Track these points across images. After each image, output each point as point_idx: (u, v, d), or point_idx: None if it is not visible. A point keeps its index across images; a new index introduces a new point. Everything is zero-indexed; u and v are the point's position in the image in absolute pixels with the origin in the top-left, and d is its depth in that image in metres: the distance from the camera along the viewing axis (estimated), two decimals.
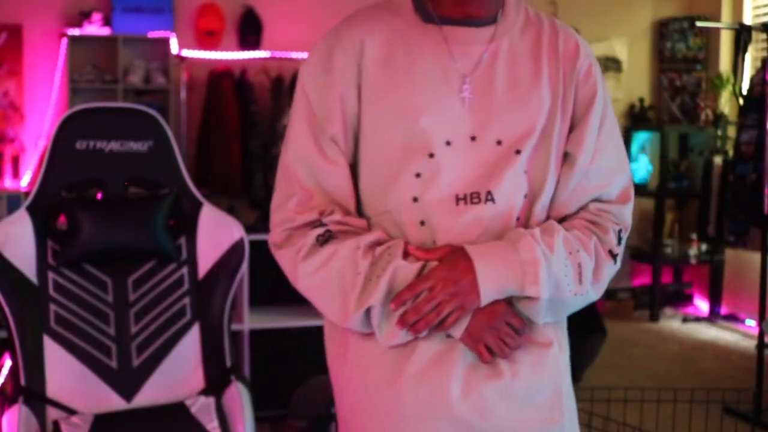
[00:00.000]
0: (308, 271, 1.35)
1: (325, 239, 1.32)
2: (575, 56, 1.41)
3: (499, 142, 1.35)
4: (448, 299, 1.29)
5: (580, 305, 1.39)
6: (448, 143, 1.34)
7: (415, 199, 1.33)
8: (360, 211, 1.39)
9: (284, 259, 1.39)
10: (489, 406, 1.34)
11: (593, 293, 1.39)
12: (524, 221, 1.39)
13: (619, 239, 1.42)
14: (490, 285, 1.30)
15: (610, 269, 1.41)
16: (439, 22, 1.37)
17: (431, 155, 1.33)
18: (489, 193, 1.34)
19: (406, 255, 1.32)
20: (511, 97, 1.37)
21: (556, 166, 1.40)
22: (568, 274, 1.34)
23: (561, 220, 1.42)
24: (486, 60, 1.37)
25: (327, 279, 1.34)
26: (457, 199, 1.33)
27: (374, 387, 1.37)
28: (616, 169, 1.45)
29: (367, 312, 1.32)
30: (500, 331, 1.33)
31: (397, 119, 1.34)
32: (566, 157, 1.41)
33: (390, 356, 1.35)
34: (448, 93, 1.35)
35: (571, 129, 1.41)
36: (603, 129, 1.42)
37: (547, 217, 1.42)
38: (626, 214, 1.45)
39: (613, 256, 1.41)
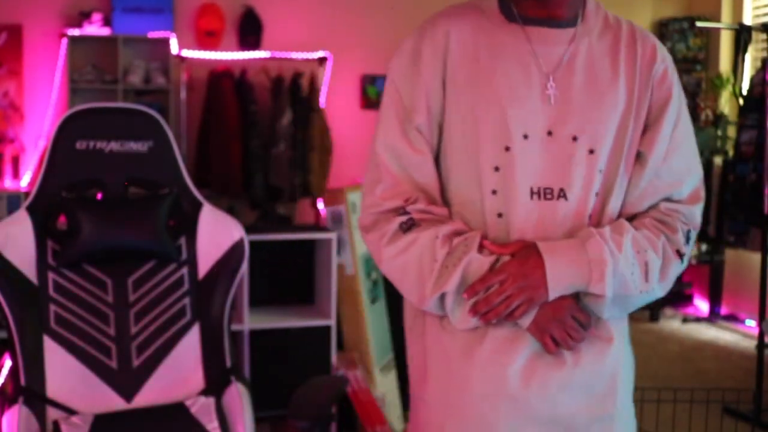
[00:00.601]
0: (391, 255, 1.41)
1: (408, 226, 1.40)
2: (652, 60, 1.47)
3: (574, 138, 1.40)
4: (517, 293, 1.37)
5: (647, 301, 1.46)
6: (525, 137, 1.40)
7: (494, 192, 1.41)
8: (444, 199, 1.46)
9: (370, 242, 1.46)
10: (549, 392, 1.43)
11: (659, 291, 1.46)
12: (596, 219, 1.44)
13: (688, 239, 1.48)
14: (558, 281, 1.37)
15: (677, 268, 1.47)
16: (522, 22, 1.43)
17: (507, 148, 1.39)
18: (561, 190, 1.40)
19: (481, 248, 1.39)
20: (589, 97, 1.42)
21: (628, 165, 1.45)
22: (634, 273, 1.40)
23: (631, 219, 1.47)
24: (566, 60, 1.42)
25: (407, 264, 1.40)
26: (531, 193, 1.40)
27: (447, 365, 1.46)
28: (688, 170, 1.50)
29: (442, 297, 1.40)
30: (566, 324, 1.40)
31: (478, 113, 1.40)
32: (638, 157, 1.46)
33: (463, 338, 1.44)
34: (529, 90, 1.41)
35: (645, 130, 1.46)
36: (677, 131, 1.47)
37: (619, 215, 1.47)
38: (696, 214, 1.51)
39: (681, 255, 1.47)
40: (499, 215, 1.41)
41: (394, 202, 1.42)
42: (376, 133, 1.48)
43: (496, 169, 1.40)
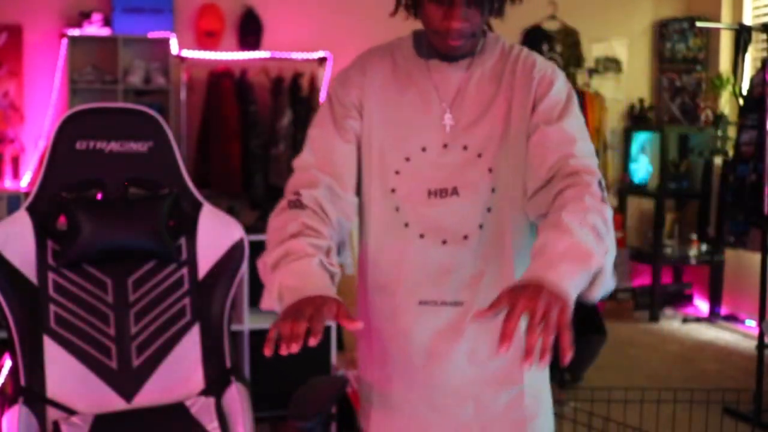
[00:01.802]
0: (269, 220, 1.63)
1: (294, 205, 1.61)
2: (531, 69, 1.66)
3: (465, 148, 1.64)
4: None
5: (611, 263, 1.46)
6: (423, 149, 1.66)
7: (393, 190, 1.66)
8: (359, 191, 1.70)
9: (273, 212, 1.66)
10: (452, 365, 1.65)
11: (612, 242, 1.48)
12: (497, 212, 1.63)
13: (601, 186, 1.54)
14: (569, 283, 1.36)
15: (610, 213, 1.52)
16: (427, 56, 1.69)
17: (407, 159, 1.66)
18: (454, 188, 1.64)
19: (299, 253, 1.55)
20: (477, 112, 1.66)
21: (519, 164, 1.63)
22: (590, 238, 1.42)
23: (543, 189, 1.57)
24: (460, 89, 1.67)
25: (271, 230, 1.60)
26: (429, 193, 1.64)
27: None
28: (578, 137, 1.61)
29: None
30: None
31: (386, 132, 1.68)
32: (533, 143, 1.62)
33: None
34: (429, 118, 1.66)
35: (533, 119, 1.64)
36: (564, 116, 1.62)
37: (532, 192, 1.58)
38: (594, 166, 1.58)
39: (604, 201, 1.51)
40: (396, 209, 1.66)
41: (300, 177, 1.66)
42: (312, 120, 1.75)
43: (397, 172, 1.66)
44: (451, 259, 1.63)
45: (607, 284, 1.43)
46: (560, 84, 1.66)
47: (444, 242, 1.63)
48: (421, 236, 1.64)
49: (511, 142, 1.63)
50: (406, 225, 1.66)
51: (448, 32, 1.58)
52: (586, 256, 1.39)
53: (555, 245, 1.39)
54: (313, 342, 1.34)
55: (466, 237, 1.63)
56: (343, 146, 1.67)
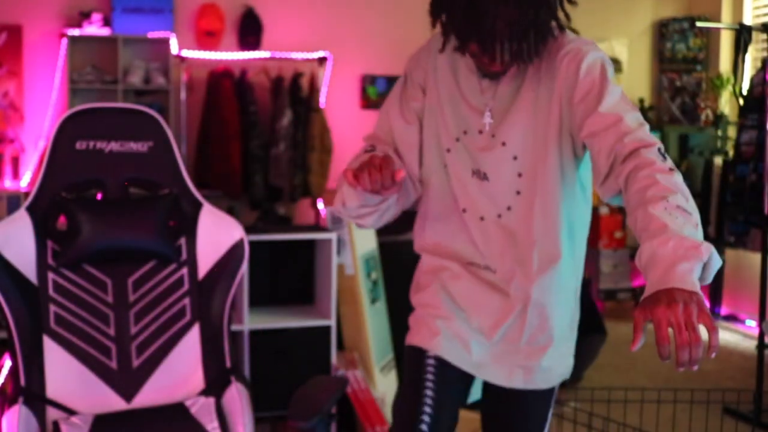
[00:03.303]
0: (350, 163, 1.87)
1: (369, 150, 1.87)
2: (555, 53, 1.74)
3: (493, 136, 1.81)
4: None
5: (701, 231, 1.49)
6: (465, 132, 1.84)
7: (445, 166, 1.86)
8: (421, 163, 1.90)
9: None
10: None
11: (696, 213, 1.51)
12: (526, 194, 1.80)
13: (663, 156, 1.58)
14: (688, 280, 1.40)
15: (680, 178, 1.55)
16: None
17: (457, 139, 1.85)
18: (485, 173, 1.82)
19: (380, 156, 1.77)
20: (507, 105, 1.80)
21: (542, 148, 1.77)
22: (683, 222, 1.46)
23: (609, 176, 1.63)
24: (502, 95, 1.80)
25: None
26: (472, 173, 1.83)
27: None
28: (622, 108, 1.66)
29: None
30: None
31: (442, 114, 1.86)
32: (585, 136, 1.69)
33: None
34: (474, 106, 1.83)
35: (583, 114, 1.71)
36: (602, 97, 1.67)
37: (608, 172, 1.63)
38: (649, 134, 1.64)
39: (673, 170, 1.55)
40: (448, 183, 1.87)
41: (370, 142, 1.93)
42: (384, 102, 1.96)
43: (448, 150, 1.85)
44: (486, 233, 1.83)
45: (715, 264, 1.44)
46: (589, 61, 1.71)
47: (482, 218, 1.84)
48: (464, 211, 1.85)
49: (538, 131, 1.78)
50: (455, 200, 1.87)
51: (489, 69, 1.76)
52: (695, 250, 1.41)
53: (663, 250, 1.41)
54: (400, 176, 1.67)
55: (499, 216, 1.82)
56: (405, 127, 1.88)
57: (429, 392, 1.82)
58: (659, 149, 1.59)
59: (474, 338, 1.87)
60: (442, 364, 1.85)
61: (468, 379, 1.91)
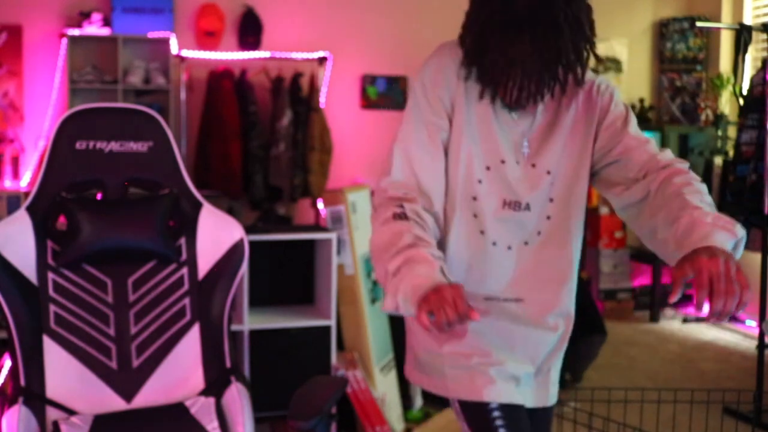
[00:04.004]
0: (376, 231, 1.72)
1: (399, 217, 1.69)
2: (591, 86, 1.83)
3: (533, 165, 1.79)
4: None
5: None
6: (502, 161, 1.78)
7: (474, 198, 1.77)
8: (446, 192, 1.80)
9: (373, 218, 1.76)
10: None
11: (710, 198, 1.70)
12: (554, 219, 1.81)
13: (693, 169, 1.75)
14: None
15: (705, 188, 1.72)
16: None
17: (488, 168, 1.77)
18: (527, 204, 1.79)
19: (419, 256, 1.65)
20: (545, 133, 1.80)
21: (573, 173, 1.81)
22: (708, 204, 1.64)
23: (637, 184, 1.75)
24: (537, 125, 1.81)
25: (382, 239, 1.68)
26: (504, 204, 1.78)
27: None
28: (645, 137, 1.83)
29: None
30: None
31: (473, 143, 1.77)
32: (615, 162, 1.81)
33: None
34: (511, 135, 1.79)
35: (611, 144, 1.81)
36: (629, 123, 1.83)
37: (645, 196, 1.73)
38: (672, 156, 1.79)
39: (702, 182, 1.72)
40: (475, 216, 1.78)
41: (396, 193, 1.73)
42: (399, 131, 1.79)
43: (479, 181, 1.77)
44: (513, 261, 1.80)
45: (742, 248, 1.58)
46: (617, 96, 1.85)
47: (509, 248, 1.80)
48: (494, 244, 1.79)
49: (571, 155, 1.81)
50: (482, 232, 1.79)
51: (511, 103, 1.74)
52: (731, 225, 1.55)
53: (702, 220, 1.55)
54: (476, 317, 1.51)
55: (526, 243, 1.81)
56: (431, 166, 1.76)
57: None
58: (687, 165, 1.76)
59: (522, 371, 1.84)
60: (508, 409, 1.80)
61: (527, 411, 1.87)
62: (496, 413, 1.78)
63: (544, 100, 1.74)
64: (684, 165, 1.75)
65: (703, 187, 1.69)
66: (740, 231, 1.56)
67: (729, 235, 1.53)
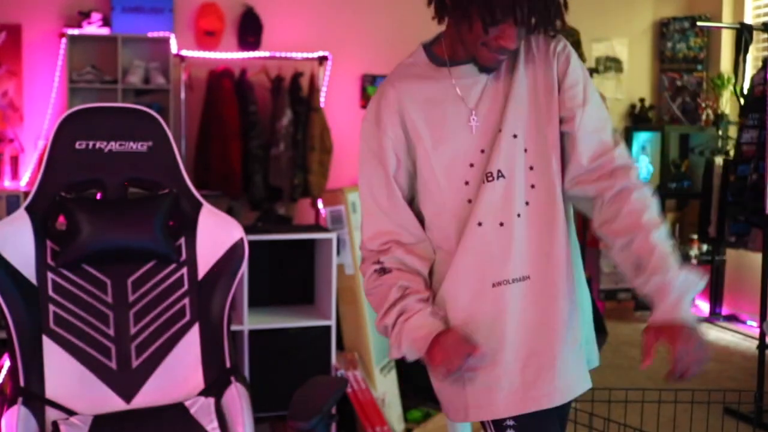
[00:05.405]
0: (368, 290, 1.84)
1: (381, 272, 1.80)
2: (547, 50, 1.79)
3: (500, 130, 1.75)
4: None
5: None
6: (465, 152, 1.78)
7: (469, 201, 1.76)
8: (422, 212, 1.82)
9: (362, 273, 1.87)
10: None
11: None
12: (539, 188, 1.75)
13: (640, 179, 1.76)
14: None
15: (656, 202, 1.77)
16: (450, 64, 1.78)
17: (471, 165, 1.76)
18: (499, 171, 1.73)
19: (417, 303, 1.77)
20: (503, 97, 1.77)
21: (549, 139, 1.76)
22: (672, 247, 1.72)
23: (585, 176, 1.76)
24: (485, 90, 1.78)
25: (376, 298, 1.82)
26: (486, 178, 1.74)
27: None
28: (602, 118, 1.79)
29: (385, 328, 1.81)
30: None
31: (438, 152, 1.77)
32: (563, 122, 1.77)
33: None
34: (459, 122, 1.77)
35: (561, 100, 1.77)
36: (589, 97, 1.77)
37: (573, 177, 1.77)
38: (625, 152, 1.78)
39: (653, 195, 1.76)
40: (469, 201, 1.76)
41: (374, 245, 1.82)
42: (359, 183, 1.85)
43: (466, 183, 1.76)
44: (509, 239, 1.74)
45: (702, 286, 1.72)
46: (575, 59, 1.80)
47: (501, 224, 1.74)
48: (480, 224, 1.74)
49: (541, 121, 1.77)
50: (472, 215, 1.76)
51: (500, 49, 1.70)
52: (696, 283, 1.69)
53: (672, 283, 1.66)
54: (478, 352, 1.66)
55: (519, 215, 1.75)
56: (401, 206, 1.81)
57: None
58: (638, 172, 1.78)
59: (535, 366, 1.77)
60: (524, 420, 1.76)
61: (554, 410, 1.82)
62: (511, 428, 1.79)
63: (503, 63, 1.75)
64: (635, 172, 1.76)
65: (656, 205, 1.74)
66: (702, 283, 1.70)
67: (693, 295, 1.68)
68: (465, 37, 1.71)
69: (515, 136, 1.75)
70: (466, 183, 1.76)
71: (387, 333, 1.77)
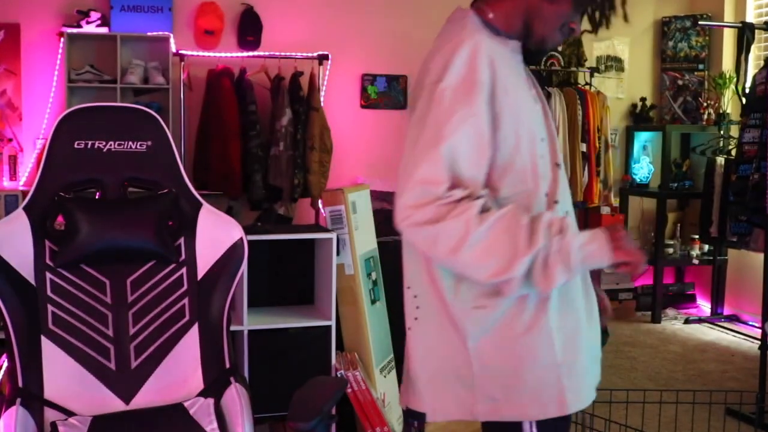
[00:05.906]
0: (482, 233, 1.54)
1: (486, 208, 1.56)
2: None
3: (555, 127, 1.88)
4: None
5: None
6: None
7: (557, 165, 1.74)
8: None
9: (450, 229, 1.54)
10: None
11: None
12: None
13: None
14: None
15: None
16: (512, 38, 1.72)
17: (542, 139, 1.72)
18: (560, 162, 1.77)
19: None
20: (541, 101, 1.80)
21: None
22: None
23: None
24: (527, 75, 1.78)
25: (498, 236, 1.55)
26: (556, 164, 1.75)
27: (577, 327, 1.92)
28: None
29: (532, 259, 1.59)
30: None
31: (526, 116, 1.69)
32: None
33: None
34: (530, 101, 1.73)
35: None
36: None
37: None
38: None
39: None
40: (557, 164, 1.74)
41: (462, 192, 1.55)
42: (442, 135, 1.58)
43: (542, 139, 1.71)
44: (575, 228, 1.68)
45: None
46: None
47: (567, 213, 1.73)
48: (566, 213, 1.73)
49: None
50: (556, 202, 1.72)
51: (570, 34, 1.71)
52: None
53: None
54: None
55: (575, 205, 1.81)
56: (475, 162, 1.62)
57: None
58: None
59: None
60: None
61: None
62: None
63: None
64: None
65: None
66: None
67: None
68: (544, 14, 1.66)
69: (558, 132, 1.85)
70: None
71: (534, 263, 1.57)
